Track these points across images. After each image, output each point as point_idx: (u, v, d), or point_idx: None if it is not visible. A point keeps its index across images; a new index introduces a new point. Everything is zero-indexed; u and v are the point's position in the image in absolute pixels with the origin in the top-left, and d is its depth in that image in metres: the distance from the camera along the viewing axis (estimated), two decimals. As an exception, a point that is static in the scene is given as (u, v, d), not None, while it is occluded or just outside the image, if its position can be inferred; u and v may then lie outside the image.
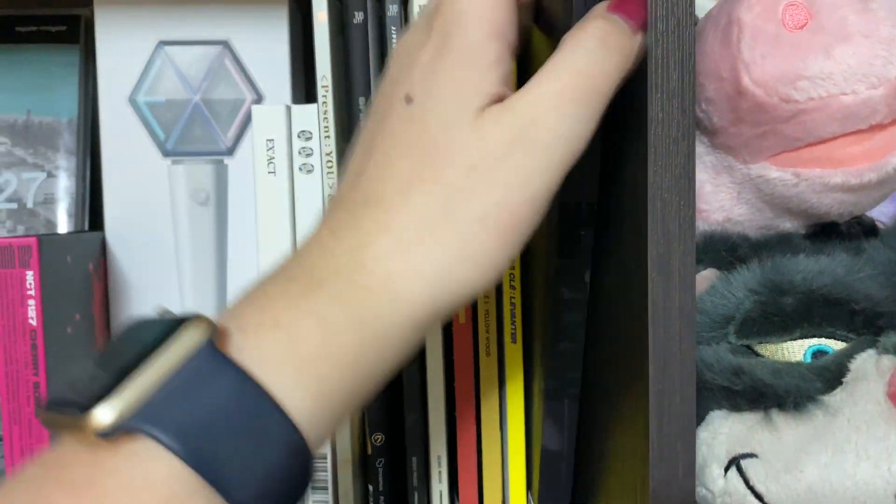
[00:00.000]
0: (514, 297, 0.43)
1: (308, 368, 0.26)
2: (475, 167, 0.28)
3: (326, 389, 0.27)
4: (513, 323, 0.43)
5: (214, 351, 0.25)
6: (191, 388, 0.24)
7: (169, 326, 0.25)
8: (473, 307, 0.44)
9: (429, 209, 0.28)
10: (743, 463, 0.34)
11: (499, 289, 0.43)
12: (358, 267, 0.28)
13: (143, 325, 0.27)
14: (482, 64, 0.28)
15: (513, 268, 0.43)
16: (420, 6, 0.43)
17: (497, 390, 0.44)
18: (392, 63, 0.31)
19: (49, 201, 0.56)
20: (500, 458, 0.47)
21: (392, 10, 0.43)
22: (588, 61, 0.28)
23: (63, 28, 0.57)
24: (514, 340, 0.43)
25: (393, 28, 0.43)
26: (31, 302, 0.43)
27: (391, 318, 0.28)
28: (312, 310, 0.27)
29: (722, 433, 0.35)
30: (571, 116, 0.28)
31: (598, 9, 0.30)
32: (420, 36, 0.30)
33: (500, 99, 0.29)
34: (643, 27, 0.29)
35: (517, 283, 0.43)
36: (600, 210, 0.38)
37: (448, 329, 0.44)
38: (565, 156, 0.29)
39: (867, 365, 0.34)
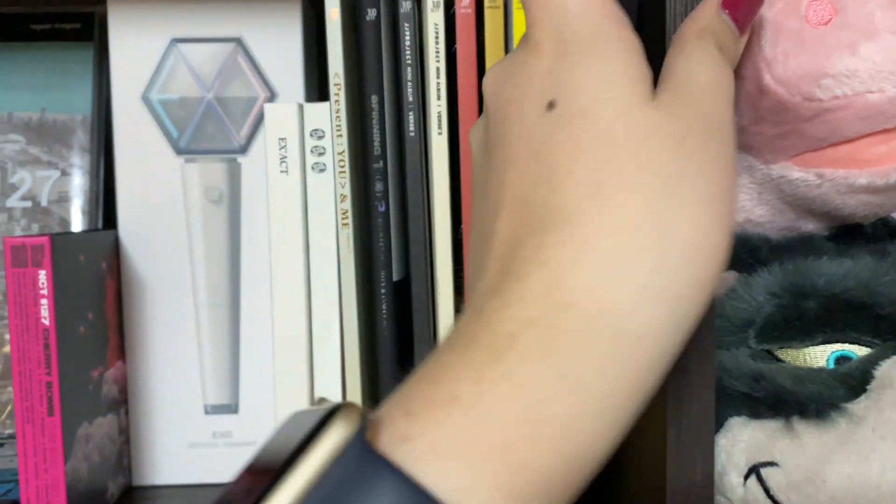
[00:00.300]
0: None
1: (499, 457, 0.20)
2: (684, 143, 0.23)
3: (526, 485, 0.20)
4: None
5: (364, 447, 0.20)
6: (341, 495, 0.20)
7: (320, 419, 0.21)
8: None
9: (643, 204, 0.22)
10: (763, 471, 0.33)
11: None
12: (560, 306, 0.21)
13: (297, 419, 0.22)
14: (631, 49, 0.25)
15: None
16: (433, 2, 0.42)
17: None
18: (494, 86, 0.27)
19: (63, 199, 0.56)
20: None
21: (405, 6, 0.42)
22: (715, 64, 0.26)
23: (77, 26, 0.57)
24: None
25: (406, 25, 0.42)
26: (44, 301, 0.43)
27: (618, 365, 0.21)
28: (504, 375, 0.21)
29: (741, 440, 0.34)
30: (724, 104, 0.26)
31: (712, 4, 0.27)
32: (519, 55, 0.27)
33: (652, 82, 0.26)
34: (744, 32, 0.28)
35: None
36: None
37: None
38: (731, 137, 0.25)
39: (892, 372, 0.33)
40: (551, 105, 0.24)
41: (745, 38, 0.28)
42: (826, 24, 0.33)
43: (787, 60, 0.33)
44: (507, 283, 0.23)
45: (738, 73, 0.35)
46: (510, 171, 0.25)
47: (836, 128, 0.34)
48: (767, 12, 0.34)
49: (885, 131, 0.34)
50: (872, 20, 0.33)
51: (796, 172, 0.36)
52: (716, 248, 0.23)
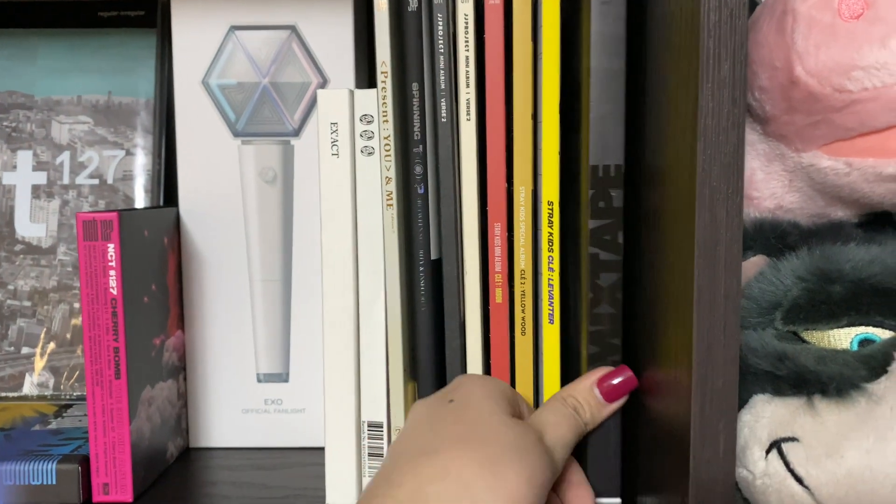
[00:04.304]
0: (552, 279, 0.44)
1: None
2: (507, 451, 0.35)
3: None
4: (550, 304, 0.44)
5: None
6: None
7: None
8: (510, 286, 0.45)
9: (477, 461, 0.34)
10: (784, 446, 0.34)
11: (536, 270, 0.44)
12: None
13: None
14: (499, 391, 0.40)
15: (551, 249, 0.44)
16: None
17: (532, 369, 0.45)
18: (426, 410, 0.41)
19: (127, 177, 0.60)
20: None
21: (441, -3, 0.44)
22: (564, 420, 0.40)
23: (141, 13, 0.61)
24: (551, 321, 0.44)
25: (439, 15, 0.44)
26: (112, 273, 0.46)
27: None
28: None
29: (764, 416, 0.35)
30: (559, 442, 0.39)
31: (592, 376, 0.42)
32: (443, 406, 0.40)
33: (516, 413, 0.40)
34: (611, 401, 0.42)
35: (556, 266, 0.43)
36: (643, 192, 0.39)
37: (486, 307, 0.45)
38: (531, 465, 0.36)
39: (913, 354, 0.34)
40: (451, 400, 0.39)
41: (612, 406, 0.42)
42: (857, 17, 0.34)
43: (818, 53, 0.34)
44: (388, 488, 0.34)
45: (771, 64, 0.36)
46: (423, 425, 0.39)
47: (865, 118, 0.35)
48: (801, 6, 0.35)
49: (914, 122, 0.35)
50: (902, 14, 0.34)
51: (826, 161, 0.37)
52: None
